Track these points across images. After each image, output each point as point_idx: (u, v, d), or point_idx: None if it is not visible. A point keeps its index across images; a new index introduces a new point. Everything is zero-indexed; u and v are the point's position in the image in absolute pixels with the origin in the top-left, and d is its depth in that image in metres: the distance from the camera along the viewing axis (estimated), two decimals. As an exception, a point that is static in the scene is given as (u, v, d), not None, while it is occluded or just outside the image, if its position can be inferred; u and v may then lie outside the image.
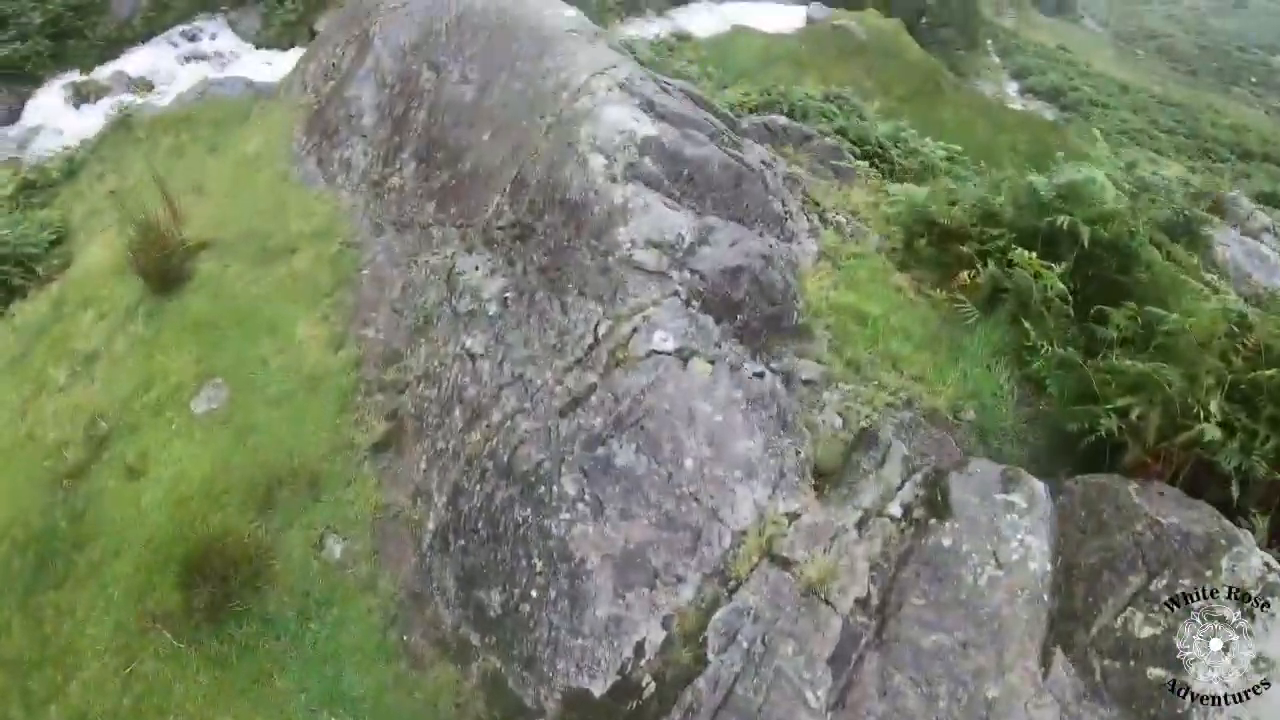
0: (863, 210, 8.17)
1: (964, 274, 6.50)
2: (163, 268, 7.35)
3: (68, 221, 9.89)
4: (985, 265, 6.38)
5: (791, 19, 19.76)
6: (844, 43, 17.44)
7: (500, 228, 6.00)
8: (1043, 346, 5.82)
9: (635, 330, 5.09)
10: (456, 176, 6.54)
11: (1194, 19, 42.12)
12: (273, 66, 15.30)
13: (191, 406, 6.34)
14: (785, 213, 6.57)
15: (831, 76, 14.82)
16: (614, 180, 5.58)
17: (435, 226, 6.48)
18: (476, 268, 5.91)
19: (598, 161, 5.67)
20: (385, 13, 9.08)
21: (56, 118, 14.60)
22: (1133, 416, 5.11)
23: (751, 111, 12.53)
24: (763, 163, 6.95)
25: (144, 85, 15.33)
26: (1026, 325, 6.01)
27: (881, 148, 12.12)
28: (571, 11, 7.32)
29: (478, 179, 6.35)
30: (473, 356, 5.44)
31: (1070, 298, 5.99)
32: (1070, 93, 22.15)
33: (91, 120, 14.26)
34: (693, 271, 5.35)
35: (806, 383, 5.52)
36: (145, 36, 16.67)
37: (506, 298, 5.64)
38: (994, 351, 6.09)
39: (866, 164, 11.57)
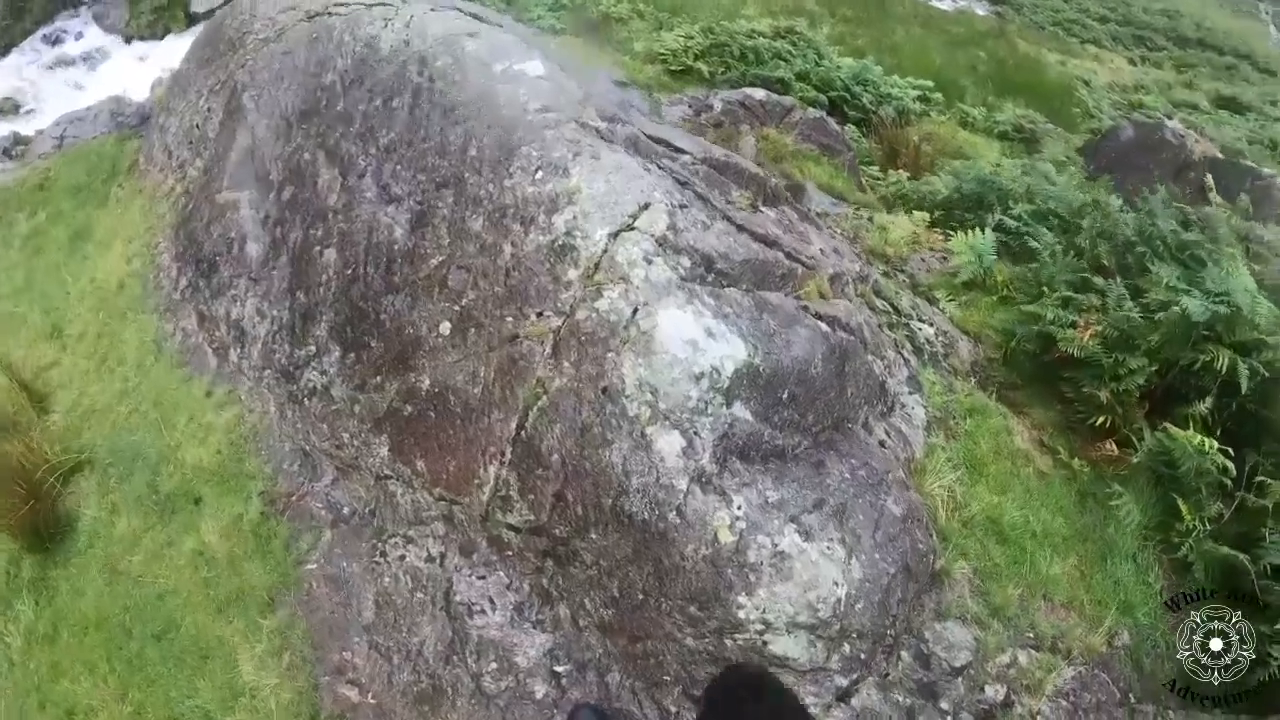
0: (910, 254, 5.06)
1: (1108, 444, 3.70)
2: (32, 521, 3.94)
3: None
4: (1138, 433, 3.57)
5: None
6: None
7: (511, 527, 2.87)
8: (1193, 528, 3.31)
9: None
10: (411, 398, 3.18)
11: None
12: (147, 62, 10.13)
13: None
14: (885, 370, 3.51)
15: (769, 3, 10.64)
16: (704, 482, 2.39)
17: (397, 483, 3.24)
18: (491, 601, 2.81)
19: (670, 444, 2.45)
20: (254, 49, 4.93)
21: None
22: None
23: (699, 58, 8.61)
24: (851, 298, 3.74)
25: (9, 107, 10.05)
26: (1180, 503, 3.41)
27: (850, 93, 8.57)
28: (537, 65, 3.56)
29: (448, 414, 3.05)
30: (526, 806, 2.55)
31: (1230, 468, 3.40)
32: (1000, -14, 17.49)
33: None
34: (853, 638, 2.46)
35: (959, 672, 2.85)
36: (3, 50, 10.88)
37: (560, 675, 2.64)
38: (1143, 534, 3.50)
39: (855, 129, 8.13)
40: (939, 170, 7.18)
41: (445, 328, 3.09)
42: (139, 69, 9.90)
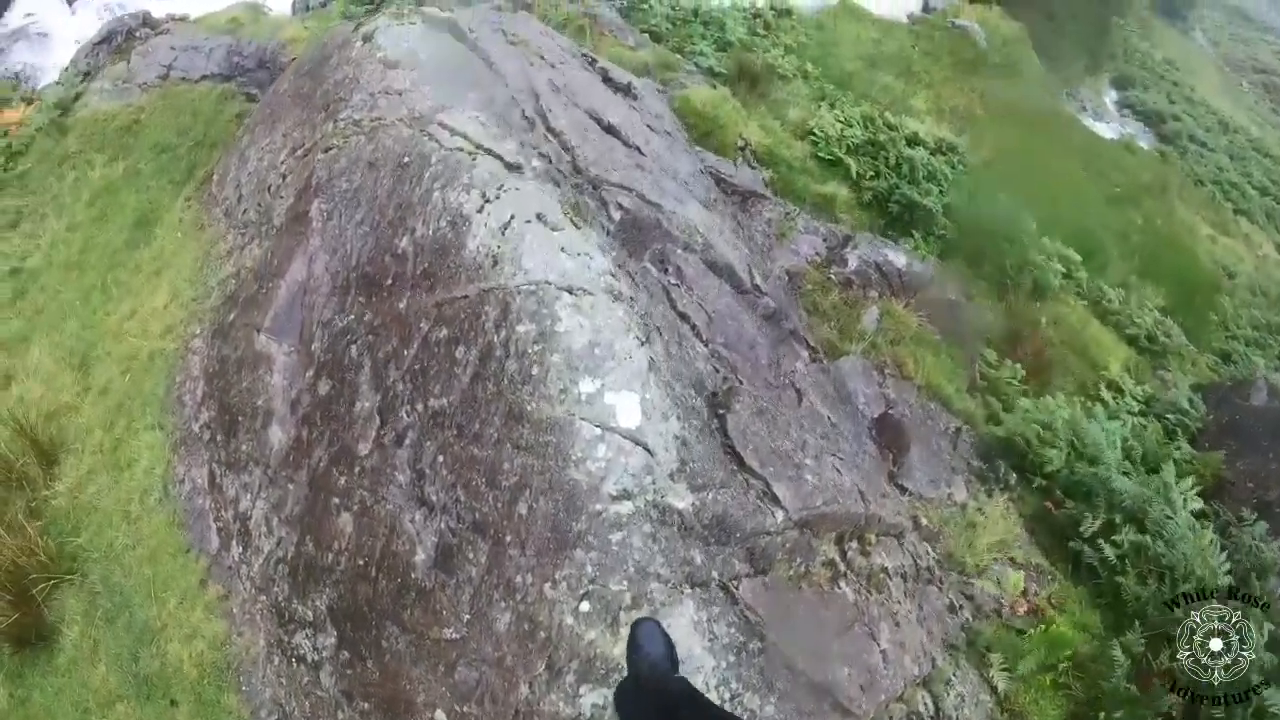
0: (989, 563, 4.17)
1: None
2: (18, 626, 3.56)
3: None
4: None
5: (907, 1, 11.09)
6: (961, 51, 10.05)
7: None
8: None
9: None
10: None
11: (1307, 62, 26.09)
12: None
13: None
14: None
15: (944, 97, 8.45)
16: None
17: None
18: None
19: None
20: (343, 132, 3.89)
21: (47, 16, 8.51)
22: None
23: (851, 152, 7.05)
24: None
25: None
26: None
27: (995, 247, 7.08)
28: (633, 406, 2.52)
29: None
30: None
31: None
32: (1171, 121, 13.80)
33: (84, 23, 8.39)
34: None
35: None
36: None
37: None
38: None
39: (985, 293, 6.77)
40: (1057, 383, 6.02)
41: (440, 718, 2.45)
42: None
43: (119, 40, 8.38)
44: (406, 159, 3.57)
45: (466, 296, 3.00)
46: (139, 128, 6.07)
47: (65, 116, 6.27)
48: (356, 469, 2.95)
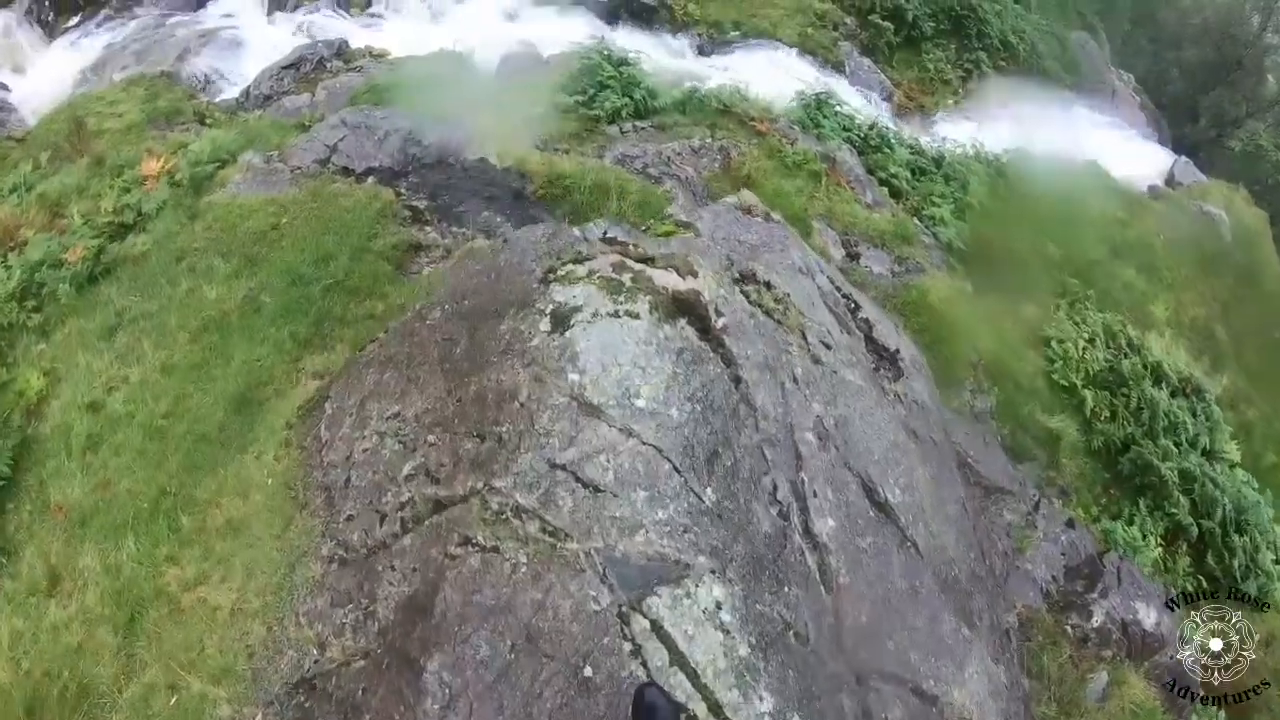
0: None
1: None
2: None
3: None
4: None
5: (1150, 164, 10.29)
6: (1206, 244, 8.86)
7: None
8: None
9: None
10: None
11: None
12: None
13: None
14: None
15: (1184, 305, 7.33)
16: None
17: None
18: None
19: None
20: (493, 524, 2.49)
21: (245, 20, 7.61)
22: None
23: (1089, 383, 5.66)
24: None
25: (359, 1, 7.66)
26: None
27: (1224, 536, 5.30)
28: None
29: None
30: None
31: None
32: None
33: (280, 38, 7.49)
34: None
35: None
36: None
37: None
38: None
39: (1204, 592, 5.05)
40: None
41: None
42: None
43: (308, 68, 7.36)
44: (589, 672, 2.09)
45: None
46: (275, 237, 4.81)
47: (199, 197, 5.10)
48: None
